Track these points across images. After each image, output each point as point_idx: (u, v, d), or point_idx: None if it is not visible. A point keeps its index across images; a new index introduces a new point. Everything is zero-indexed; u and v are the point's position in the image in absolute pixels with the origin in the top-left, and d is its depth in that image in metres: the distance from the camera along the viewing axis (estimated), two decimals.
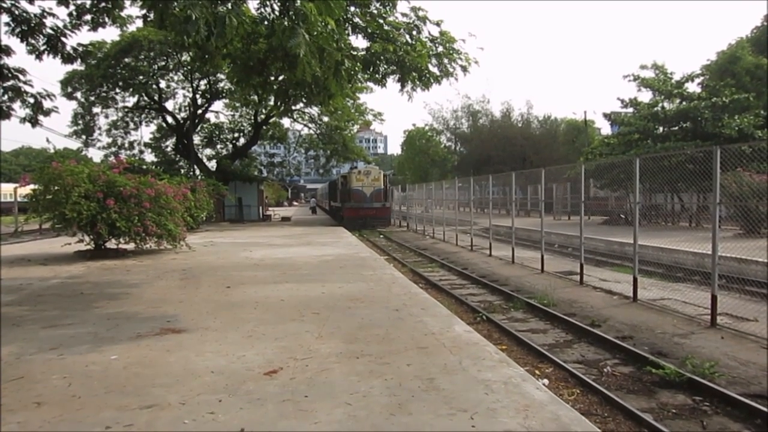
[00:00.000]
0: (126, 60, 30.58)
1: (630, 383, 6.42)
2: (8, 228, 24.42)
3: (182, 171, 34.59)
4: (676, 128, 26.88)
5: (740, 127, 23.28)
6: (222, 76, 30.93)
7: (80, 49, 11.55)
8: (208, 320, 7.21)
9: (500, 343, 8.02)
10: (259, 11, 8.64)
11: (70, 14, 10.79)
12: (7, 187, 35.88)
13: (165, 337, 6.36)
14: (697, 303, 9.52)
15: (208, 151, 40.70)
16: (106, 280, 10.85)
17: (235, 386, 4.70)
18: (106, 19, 10.79)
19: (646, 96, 30.09)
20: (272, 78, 10.92)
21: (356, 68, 10.12)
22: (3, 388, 4.67)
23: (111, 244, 15.12)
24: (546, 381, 6.30)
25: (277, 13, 7.97)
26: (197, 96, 35.35)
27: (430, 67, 11.69)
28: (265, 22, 8.52)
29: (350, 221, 31.15)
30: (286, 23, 6.75)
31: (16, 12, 10.64)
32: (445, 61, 12.01)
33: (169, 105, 36.76)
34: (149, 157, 38.84)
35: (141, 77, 32.01)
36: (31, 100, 11.70)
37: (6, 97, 11.40)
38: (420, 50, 11.17)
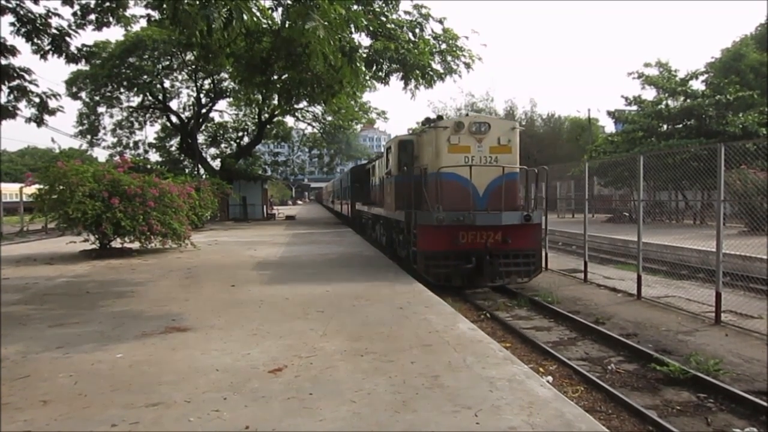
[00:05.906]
0: (130, 60, 30.62)
1: (634, 380, 6.43)
2: (14, 227, 24.53)
3: (187, 170, 34.66)
4: (681, 126, 26.84)
5: (744, 125, 23.22)
6: (226, 76, 30.91)
7: (84, 49, 11.58)
8: (213, 319, 7.24)
9: (504, 340, 8.02)
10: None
11: (74, 14, 10.82)
12: (13, 187, 36.00)
13: (170, 336, 6.39)
14: (702, 300, 9.50)
15: (213, 150, 40.80)
16: (112, 279, 10.90)
17: (240, 384, 4.73)
18: (111, 19, 10.82)
19: (650, 94, 30.07)
20: (276, 77, 10.96)
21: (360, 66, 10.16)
22: (10, 387, 4.71)
23: (116, 243, 15.19)
24: (550, 378, 6.30)
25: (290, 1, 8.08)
26: (201, 95, 35.39)
27: (434, 65, 11.70)
28: (280, 9, 8.65)
29: (435, 268, 11.15)
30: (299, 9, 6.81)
31: (21, 12, 10.68)
32: (449, 58, 12.03)
33: (174, 104, 36.83)
34: (154, 156, 38.99)
35: (145, 77, 32.05)
36: (37, 100, 11.73)
37: (12, 96, 11.43)
38: (422, 49, 11.18)
